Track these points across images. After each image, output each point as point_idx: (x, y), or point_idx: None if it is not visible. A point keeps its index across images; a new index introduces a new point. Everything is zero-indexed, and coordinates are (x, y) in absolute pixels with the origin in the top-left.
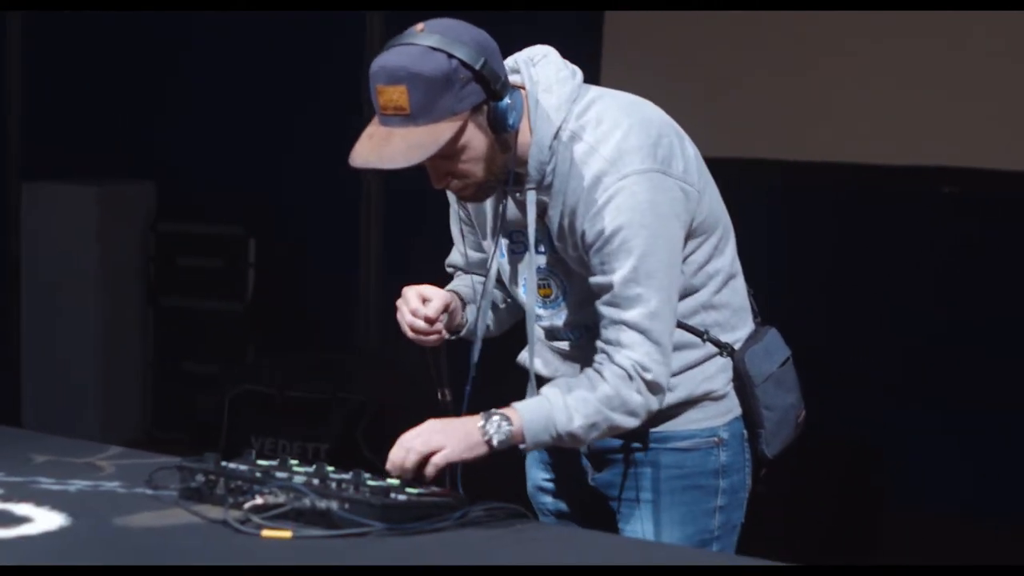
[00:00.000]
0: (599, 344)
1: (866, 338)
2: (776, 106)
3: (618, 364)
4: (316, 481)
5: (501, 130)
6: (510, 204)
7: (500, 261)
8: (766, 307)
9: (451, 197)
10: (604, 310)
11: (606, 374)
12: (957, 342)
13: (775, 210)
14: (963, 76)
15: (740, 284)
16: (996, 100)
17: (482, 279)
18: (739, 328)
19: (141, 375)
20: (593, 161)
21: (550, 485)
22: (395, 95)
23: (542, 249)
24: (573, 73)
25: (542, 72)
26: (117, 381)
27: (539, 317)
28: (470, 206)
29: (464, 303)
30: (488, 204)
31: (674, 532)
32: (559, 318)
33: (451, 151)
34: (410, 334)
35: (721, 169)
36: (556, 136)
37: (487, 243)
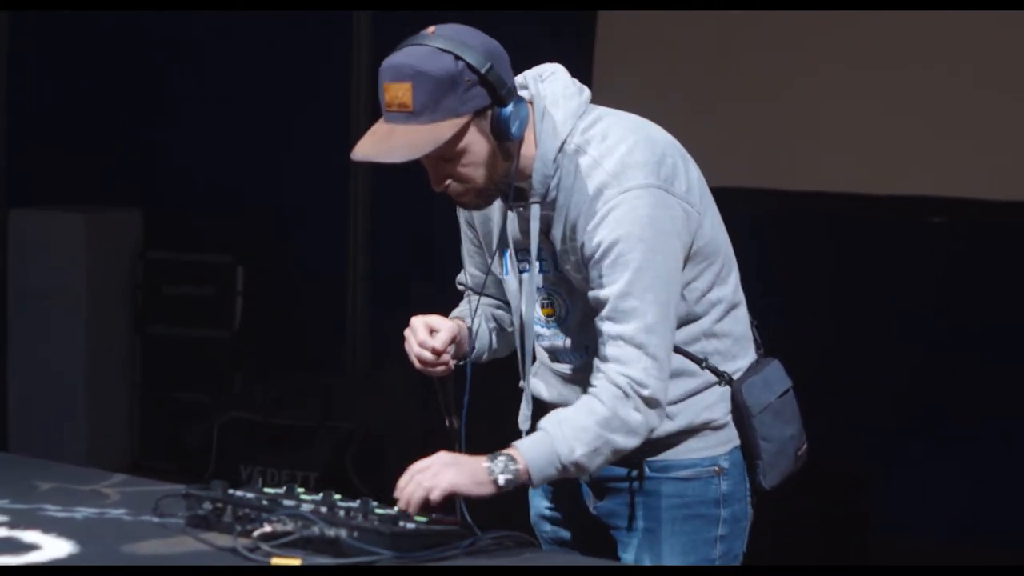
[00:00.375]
0: (596, 362)
1: (855, 367)
2: (759, 134)
3: (614, 383)
4: (324, 509)
5: (504, 137)
6: (513, 220)
7: (505, 279)
8: (768, 338)
9: (461, 216)
10: (601, 325)
11: (603, 396)
12: (943, 371)
13: (759, 240)
14: (948, 107)
15: (743, 314)
16: (981, 130)
17: (491, 303)
18: (740, 358)
19: (128, 403)
20: (596, 174)
21: (552, 513)
22: (400, 92)
23: (546, 268)
24: (580, 90)
25: (550, 87)
26: (104, 409)
27: (540, 336)
28: (478, 223)
29: (471, 331)
30: (495, 220)
31: (675, 561)
32: (560, 339)
33: (451, 153)
34: (418, 365)
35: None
36: (561, 149)
37: (493, 262)
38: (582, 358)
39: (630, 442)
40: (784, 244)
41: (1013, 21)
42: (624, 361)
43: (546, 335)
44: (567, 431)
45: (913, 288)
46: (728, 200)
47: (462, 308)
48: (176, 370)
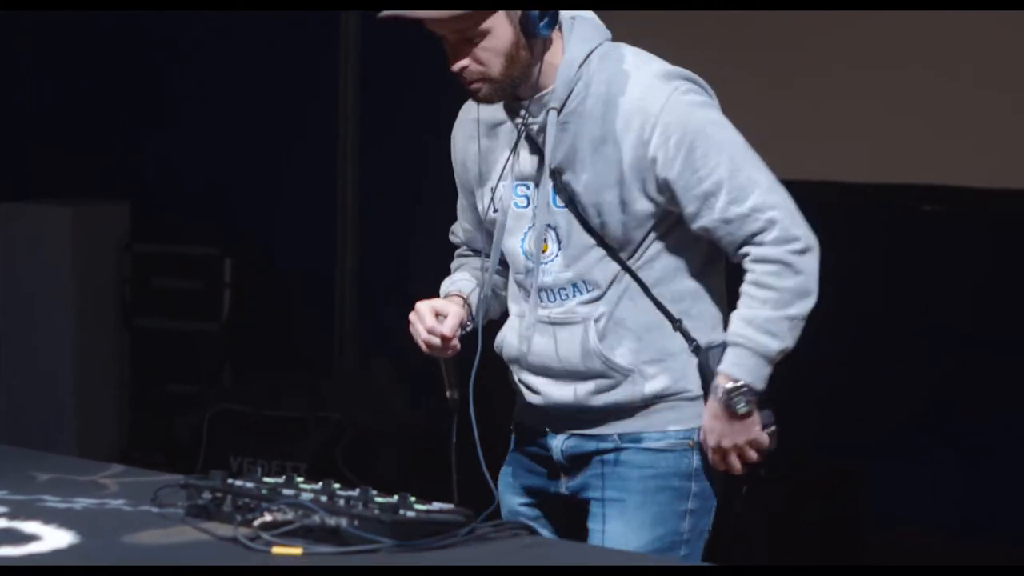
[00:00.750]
0: (742, 254)
1: (848, 357)
2: (754, 125)
3: (767, 259)
4: (324, 498)
5: (530, 32)
6: (523, 150)
7: (499, 214)
8: None
9: (456, 158)
10: (725, 213)
11: (762, 280)
12: (939, 361)
13: None
14: (943, 99)
15: (723, 293)
16: (976, 121)
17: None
18: (712, 333)
19: (118, 395)
20: (639, 79)
21: (526, 509)
22: None
23: (557, 202)
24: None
25: (582, 15)
26: (94, 401)
27: (530, 271)
28: (480, 158)
29: (470, 306)
30: (499, 155)
31: (644, 533)
32: (550, 275)
33: (474, 30)
34: (425, 349)
35: None
36: (588, 59)
37: (486, 195)
38: (572, 296)
39: (808, 303)
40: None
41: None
42: (766, 230)
43: (535, 271)
44: (755, 331)
45: (908, 281)
46: None
47: (459, 279)
48: (165, 362)
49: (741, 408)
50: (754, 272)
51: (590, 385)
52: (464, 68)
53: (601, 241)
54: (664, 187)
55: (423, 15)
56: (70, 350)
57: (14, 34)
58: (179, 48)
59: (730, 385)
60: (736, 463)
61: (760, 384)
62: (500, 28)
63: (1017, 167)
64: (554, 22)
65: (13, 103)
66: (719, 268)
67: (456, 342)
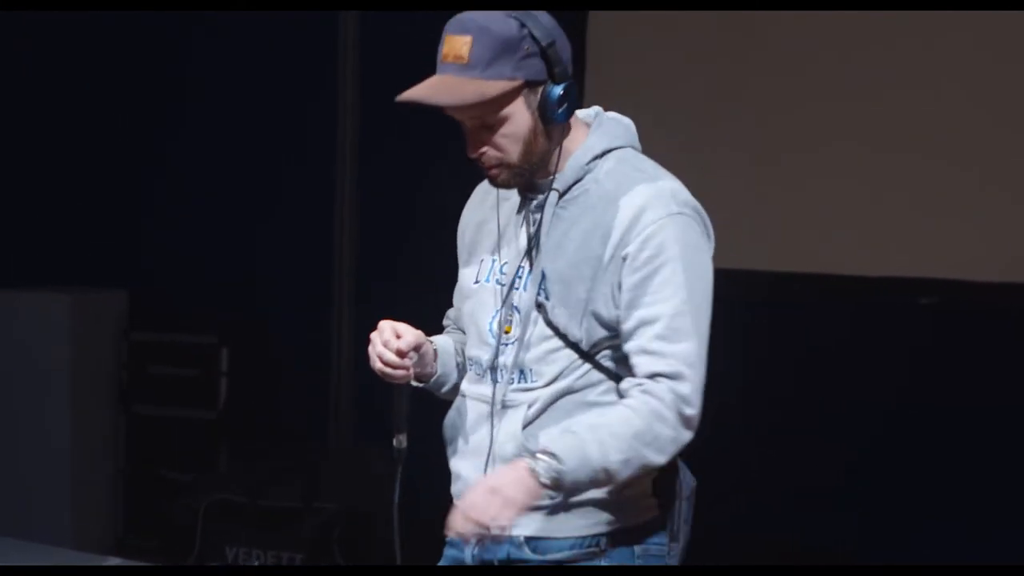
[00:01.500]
0: (636, 383)
1: (844, 450)
2: (750, 215)
3: (657, 397)
4: None
5: (548, 119)
6: (517, 225)
7: (474, 288)
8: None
9: (459, 235)
10: (649, 344)
11: (640, 409)
12: (936, 454)
13: (747, 320)
14: (937, 187)
15: None
16: (972, 213)
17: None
18: None
19: (113, 481)
20: (647, 189)
21: None
22: (459, 44)
23: (523, 280)
24: (638, 143)
25: (616, 116)
26: (89, 487)
27: (486, 347)
28: (470, 231)
29: (436, 353)
30: (492, 228)
31: None
32: (507, 356)
33: (493, 117)
34: (378, 365)
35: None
36: (606, 155)
37: (472, 268)
38: (514, 382)
39: (658, 460)
40: (772, 326)
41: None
42: (676, 377)
43: (495, 348)
44: (601, 436)
45: (903, 373)
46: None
47: (437, 336)
48: (161, 449)
49: (541, 468)
50: (638, 399)
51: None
52: (482, 154)
53: (558, 333)
54: (619, 290)
55: (443, 103)
56: (67, 435)
57: (16, 117)
58: (177, 133)
59: (545, 455)
60: (468, 528)
61: (569, 478)
62: (518, 114)
63: (1017, 261)
64: (572, 108)
65: (12, 189)
66: None
67: (409, 363)
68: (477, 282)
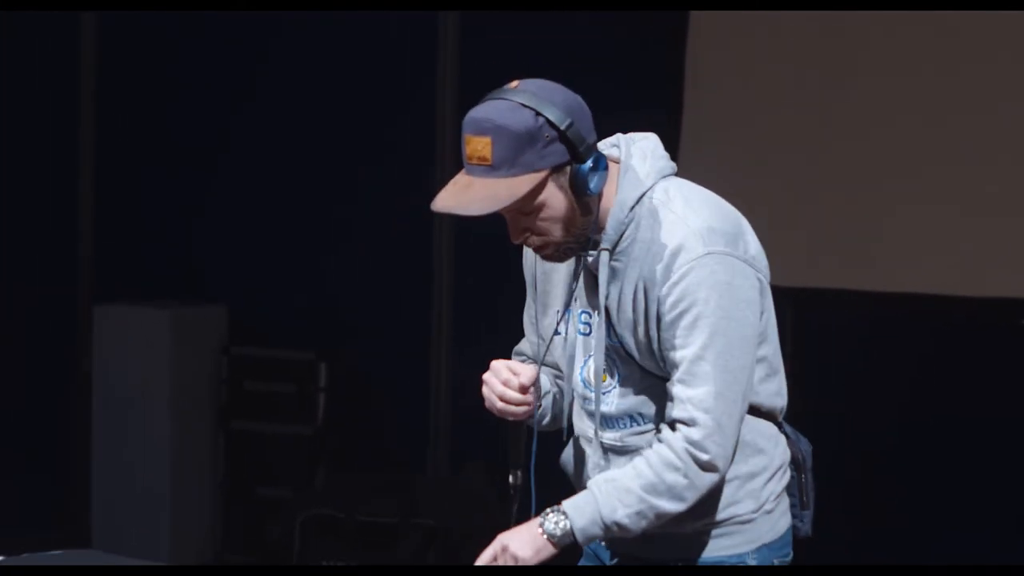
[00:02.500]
0: (662, 425)
1: (936, 471)
2: (840, 233)
3: (670, 447)
4: None
5: (582, 193)
6: (581, 275)
7: (558, 338)
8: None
9: (527, 275)
10: (672, 388)
11: (652, 460)
12: None
13: (843, 342)
14: None
15: (773, 407)
16: None
17: (555, 373)
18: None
19: (211, 497)
20: (679, 230)
21: None
22: (480, 146)
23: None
24: (669, 159)
25: (640, 145)
26: (188, 503)
27: (588, 400)
28: (539, 282)
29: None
30: (559, 278)
31: None
32: (610, 405)
33: (529, 207)
34: (499, 405)
35: (788, 297)
36: (640, 201)
37: (550, 321)
38: (627, 427)
39: (676, 507)
40: (868, 346)
41: None
42: (689, 423)
43: (595, 399)
44: (612, 491)
45: (1001, 394)
46: (806, 301)
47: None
48: (259, 465)
49: (549, 525)
50: (652, 451)
51: None
52: (526, 239)
53: (650, 375)
54: (658, 326)
55: (478, 213)
56: (166, 451)
57: (111, 134)
58: (280, 153)
59: (555, 512)
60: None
61: (580, 534)
62: (553, 198)
63: None
64: (604, 177)
65: (115, 204)
66: (770, 345)
67: (532, 397)
68: (558, 333)
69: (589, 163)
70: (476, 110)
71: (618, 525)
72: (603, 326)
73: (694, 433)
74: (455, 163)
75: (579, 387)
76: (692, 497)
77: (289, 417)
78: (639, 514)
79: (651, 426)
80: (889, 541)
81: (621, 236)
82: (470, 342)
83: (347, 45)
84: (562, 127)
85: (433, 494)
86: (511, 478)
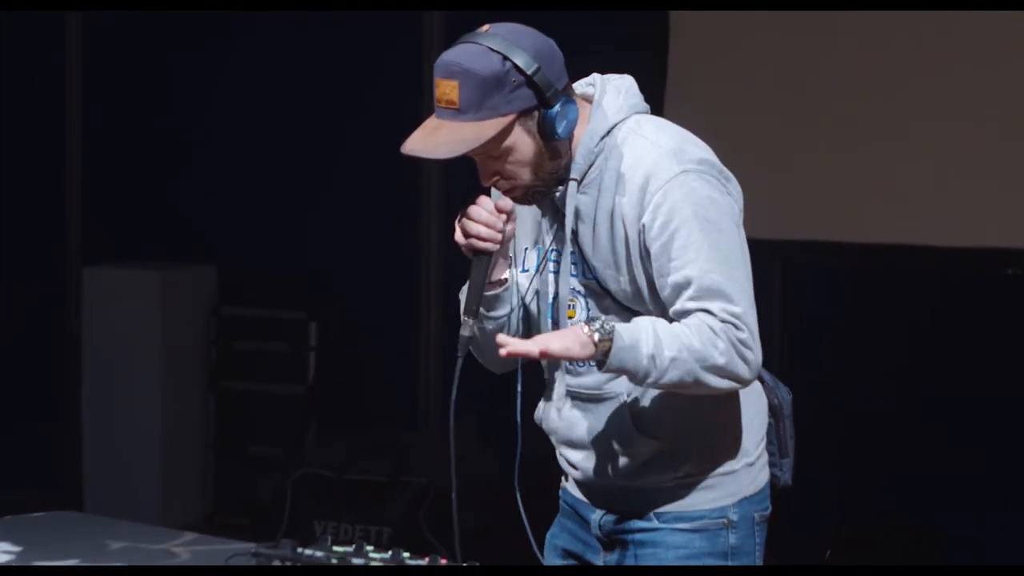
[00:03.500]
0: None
1: (927, 421)
2: (831, 187)
3: (715, 332)
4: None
5: (550, 138)
6: (550, 216)
7: (525, 275)
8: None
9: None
10: (686, 304)
11: (717, 329)
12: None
13: (833, 293)
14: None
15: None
16: None
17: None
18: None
19: (202, 458)
20: (652, 153)
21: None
22: (448, 89)
23: (573, 271)
24: (643, 99)
25: (616, 83)
26: (178, 464)
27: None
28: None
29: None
30: (530, 215)
31: None
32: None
33: (496, 151)
34: (471, 226)
35: (778, 250)
36: (610, 132)
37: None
38: (592, 365)
39: (718, 382)
40: (857, 298)
41: None
42: (732, 323)
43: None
44: (663, 332)
45: (990, 343)
46: (794, 252)
47: None
48: (250, 425)
49: (595, 332)
50: (701, 320)
51: (625, 460)
52: (495, 182)
53: (628, 310)
54: (649, 258)
55: (443, 156)
56: (157, 412)
57: (100, 98)
58: (269, 113)
59: (604, 323)
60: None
61: (617, 354)
62: (520, 142)
63: None
64: (572, 124)
65: (102, 166)
66: None
67: (503, 226)
68: (526, 271)
69: (557, 108)
70: (447, 53)
71: (651, 361)
72: (568, 250)
73: (738, 333)
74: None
75: (548, 326)
76: (726, 384)
77: (279, 376)
78: (673, 369)
79: None
80: (870, 492)
81: (590, 167)
82: (459, 299)
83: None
84: (529, 72)
85: (424, 452)
86: (464, 327)
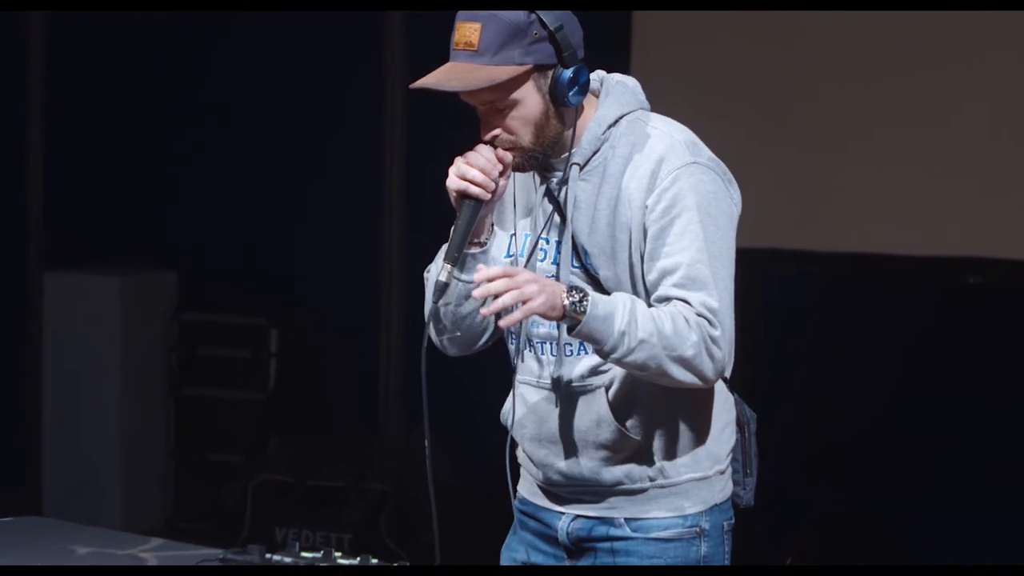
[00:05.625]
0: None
1: (891, 430)
2: (792, 195)
3: (688, 324)
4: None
5: (559, 101)
6: (546, 203)
7: (510, 260)
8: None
9: None
10: (669, 292)
11: (691, 319)
12: (979, 430)
13: (795, 302)
14: (989, 166)
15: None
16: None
17: None
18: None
19: (163, 464)
20: (663, 141)
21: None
22: (469, 31)
23: (556, 259)
24: (646, 99)
25: (622, 79)
26: (139, 470)
27: (536, 322)
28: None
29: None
30: (518, 201)
31: None
32: (555, 327)
33: (504, 101)
34: (466, 168)
35: (739, 257)
36: (618, 122)
37: (500, 237)
38: (580, 354)
39: (680, 374)
40: (823, 306)
41: None
42: (706, 319)
43: (543, 323)
44: (640, 312)
45: (953, 352)
46: (757, 261)
47: None
48: (210, 431)
49: (567, 299)
50: (678, 310)
51: (599, 456)
52: (495, 137)
53: (607, 294)
54: (645, 239)
55: (454, 88)
56: (117, 418)
57: (62, 101)
58: (226, 120)
59: (582, 294)
60: (503, 300)
61: (590, 322)
62: (529, 98)
63: None
64: (584, 90)
65: (62, 172)
66: None
67: (499, 177)
68: (510, 255)
69: (571, 70)
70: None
71: (620, 337)
72: (569, 233)
73: (711, 329)
74: (403, 130)
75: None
76: (692, 377)
77: (240, 383)
78: (638, 350)
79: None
80: (836, 499)
81: (595, 153)
82: (421, 306)
83: (302, 31)
84: (552, 28)
85: (384, 458)
86: (442, 272)
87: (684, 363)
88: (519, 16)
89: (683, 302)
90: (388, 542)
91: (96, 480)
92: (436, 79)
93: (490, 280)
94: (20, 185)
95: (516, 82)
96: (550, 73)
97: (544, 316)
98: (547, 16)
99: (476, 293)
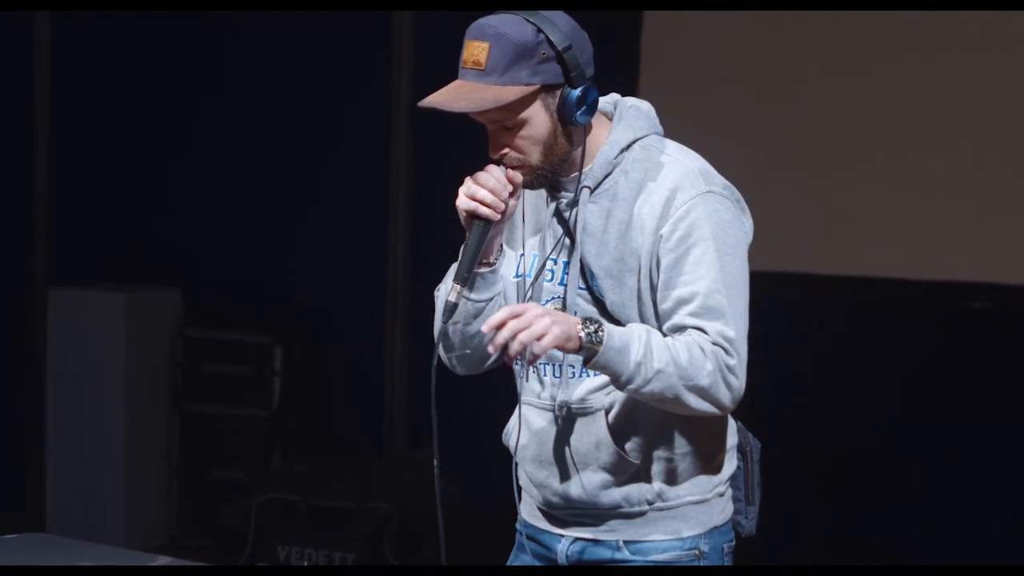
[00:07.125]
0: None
1: (890, 455)
2: (796, 219)
3: (704, 353)
4: None
5: (567, 120)
6: (556, 225)
7: (518, 280)
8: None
9: None
10: (684, 321)
11: (707, 349)
12: (981, 452)
13: (797, 326)
14: (996, 192)
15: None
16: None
17: None
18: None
19: (167, 481)
20: (677, 169)
21: None
22: (477, 50)
23: (563, 280)
24: (659, 124)
25: (637, 104)
26: (143, 487)
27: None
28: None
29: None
30: (526, 221)
31: None
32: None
33: (512, 120)
34: (476, 189)
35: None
36: (630, 147)
37: (509, 263)
38: (582, 376)
39: (697, 403)
40: (820, 331)
41: None
42: (723, 348)
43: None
44: (655, 342)
45: (958, 377)
46: (758, 286)
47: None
48: (214, 448)
49: (583, 331)
50: (693, 339)
51: (598, 479)
52: (503, 155)
53: (613, 317)
54: (658, 269)
55: (460, 109)
56: (121, 434)
57: (67, 120)
58: (234, 137)
59: (596, 325)
60: (520, 340)
61: (605, 353)
62: (537, 118)
63: None
64: (592, 110)
65: (68, 188)
66: None
67: (508, 196)
68: (519, 276)
69: (579, 91)
70: (482, 18)
71: (637, 368)
72: (578, 255)
73: (728, 358)
74: (410, 146)
75: None
76: (705, 407)
77: (244, 400)
78: (655, 381)
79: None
80: (838, 520)
81: (606, 176)
82: (425, 325)
83: (306, 40)
84: (560, 48)
85: (389, 478)
86: (451, 293)
87: (700, 392)
88: (527, 36)
89: (699, 331)
90: (391, 562)
91: (100, 497)
92: (443, 99)
93: (498, 327)
94: (26, 201)
95: (523, 102)
96: (558, 93)
97: (560, 348)
98: (555, 35)
99: (490, 349)
